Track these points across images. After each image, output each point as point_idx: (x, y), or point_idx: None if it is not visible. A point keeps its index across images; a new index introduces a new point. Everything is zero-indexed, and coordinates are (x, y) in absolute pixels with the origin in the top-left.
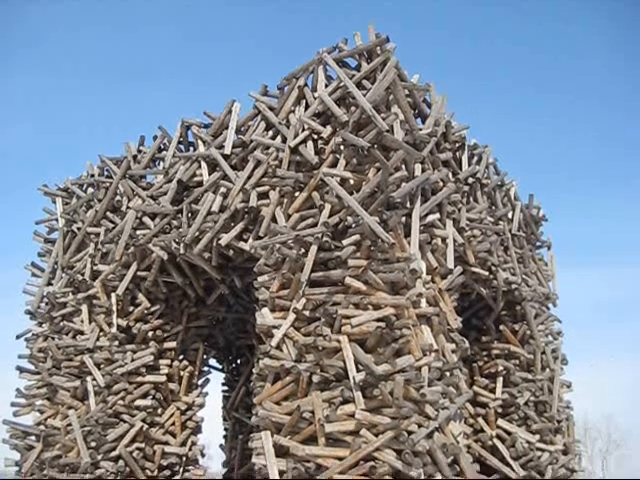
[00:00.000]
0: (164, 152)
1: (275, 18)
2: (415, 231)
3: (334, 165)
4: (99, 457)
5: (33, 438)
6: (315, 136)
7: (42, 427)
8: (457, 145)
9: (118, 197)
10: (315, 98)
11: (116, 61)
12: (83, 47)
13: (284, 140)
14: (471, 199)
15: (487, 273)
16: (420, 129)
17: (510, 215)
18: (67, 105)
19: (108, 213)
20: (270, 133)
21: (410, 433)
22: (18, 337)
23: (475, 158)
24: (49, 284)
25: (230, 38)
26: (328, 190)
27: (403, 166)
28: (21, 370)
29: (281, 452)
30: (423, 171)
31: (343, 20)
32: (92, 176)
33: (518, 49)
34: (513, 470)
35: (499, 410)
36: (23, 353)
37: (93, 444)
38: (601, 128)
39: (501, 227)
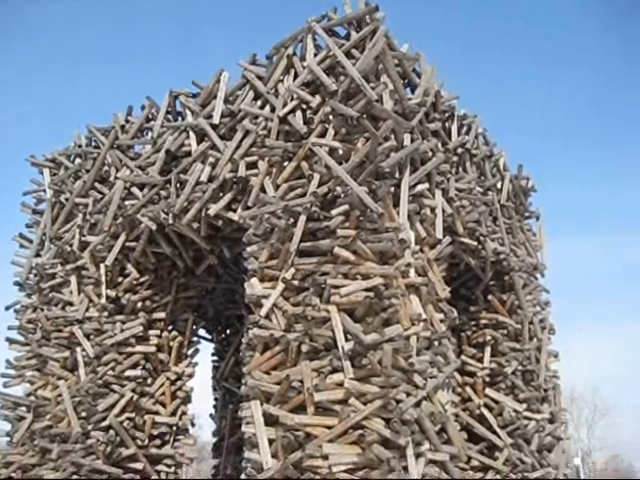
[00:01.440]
0: (152, 122)
1: None
2: (404, 201)
3: (323, 135)
4: (90, 427)
5: (24, 409)
6: (304, 106)
7: (32, 398)
8: (446, 115)
9: (106, 167)
10: (304, 67)
11: (103, 34)
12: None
13: (273, 110)
14: (460, 169)
15: (476, 243)
16: (409, 99)
17: (499, 185)
18: (54, 78)
19: (96, 184)
20: (259, 103)
21: (398, 402)
22: (7, 308)
23: (465, 128)
24: (37, 255)
25: (219, 6)
26: (317, 160)
27: (392, 136)
28: (10, 341)
29: (270, 421)
30: (412, 141)
31: None
32: (80, 147)
33: (512, 23)
34: (500, 438)
35: (487, 379)
36: (12, 324)
37: (83, 414)
38: (594, 98)
39: (490, 197)
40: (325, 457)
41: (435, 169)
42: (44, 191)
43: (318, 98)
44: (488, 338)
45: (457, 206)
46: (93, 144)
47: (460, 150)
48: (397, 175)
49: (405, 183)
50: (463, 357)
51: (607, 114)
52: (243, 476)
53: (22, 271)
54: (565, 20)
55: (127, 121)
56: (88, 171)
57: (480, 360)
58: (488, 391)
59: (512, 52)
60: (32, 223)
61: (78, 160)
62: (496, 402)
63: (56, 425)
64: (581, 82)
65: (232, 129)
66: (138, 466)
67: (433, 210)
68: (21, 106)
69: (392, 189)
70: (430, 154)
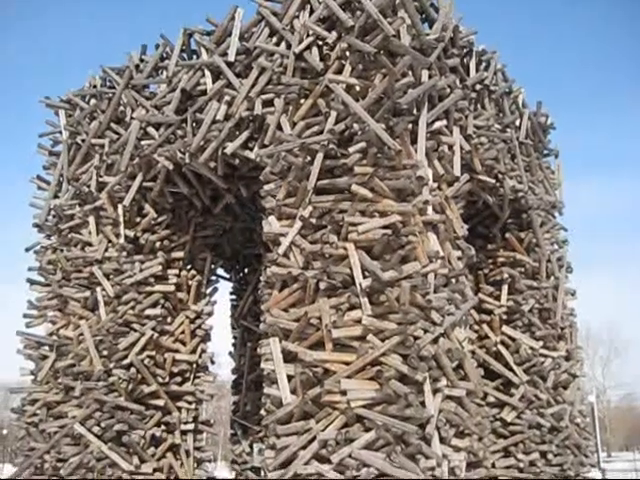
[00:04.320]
0: (167, 61)
1: None
2: (422, 138)
3: (340, 71)
4: (111, 365)
5: (46, 348)
6: (320, 42)
7: (55, 337)
8: (465, 51)
9: (121, 108)
10: (320, 3)
11: None
12: None
13: (289, 46)
14: (478, 106)
15: (494, 181)
16: (427, 34)
17: (518, 122)
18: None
19: (112, 124)
20: (274, 39)
21: (416, 338)
22: (27, 250)
23: (483, 64)
24: (55, 197)
25: None
26: (334, 97)
27: (410, 72)
28: (31, 282)
29: (289, 358)
30: (430, 77)
31: None
32: (94, 87)
33: None
34: (516, 375)
35: (504, 317)
36: (33, 265)
37: (105, 353)
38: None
39: (508, 135)
40: (343, 393)
41: (453, 106)
42: (60, 133)
43: (334, 34)
44: (505, 276)
45: (475, 143)
46: (108, 84)
47: (478, 86)
48: (415, 112)
49: (423, 120)
50: (480, 295)
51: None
52: (263, 412)
53: (41, 213)
54: None
55: (142, 60)
56: (103, 111)
57: (497, 298)
58: (505, 329)
59: None
60: (49, 165)
61: (93, 101)
62: (513, 339)
63: (78, 363)
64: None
65: (248, 67)
66: (159, 402)
67: (451, 147)
68: (35, 47)
69: (410, 126)
70: (448, 90)
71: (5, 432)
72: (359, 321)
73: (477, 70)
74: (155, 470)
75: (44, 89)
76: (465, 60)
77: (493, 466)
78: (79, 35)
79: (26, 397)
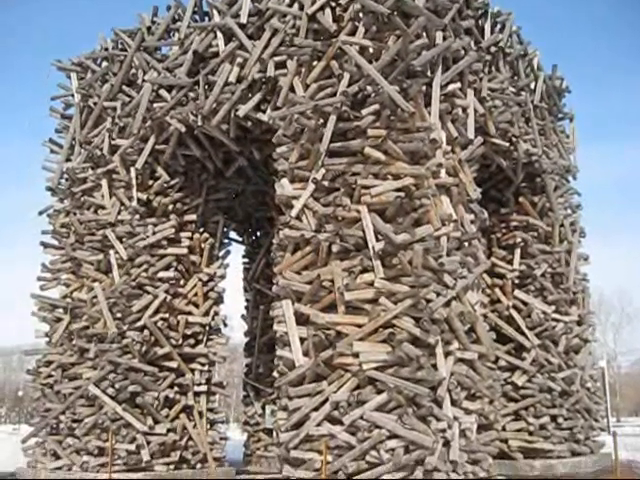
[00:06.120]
0: (178, 23)
1: None
2: (435, 100)
3: (353, 33)
4: (125, 327)
5: (60, 311)
6: (333, 3)
7: (68, 300)
8: (480, 12)
9: (133, 70)
10: None
11: None
12: None
13: (301, 7)
14: (493, 69)
15: (507, 144)
16: None
17: (532, 86)
18: None
19: (124, 87)
20: (287, 0)
21: (428, 301)
22: (40, 213)
23: (498, 26)
24: (68, 160)
25: None
26: (347, 59)
27: (424, 33)
28: (45, 245)
29: (301, 320)
30: (444, 39)
31: None
32: (106, 50)
33: None
34: (528, 339)
35: (516, 281)
36: (46, 229)
37: (119, 315)
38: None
39: (523, 98)
40: (355, 355)
41: (467, 68)
42: (72, 96)
43: None
44: (518, 240)
45: (489, 106)
46: (119, 47)
47: (493, 49)
48: (429, 74)
49: (437, 82)
50: (493, 259)
51: None
52: (275, 374)
53: (53, 176)
54: None
55: (153, 22)
56: (115, 74)
57: (510, 262)
58: (517, 293)
59: None
60: (61, 128)
61: (105, 63)
62: (525, 304)
63: (92, 326)
64: None
65: (260, 28)
66: (173, 364)
67: (465, 110)
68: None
69: (423, 88)
70: (462, 53)
71: (21, 394)
72: (371, 284)
73: (492, 32)
74: (169, 431)
75: (56, 52)
76: (480, 22)
77: (504, 429)
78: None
79: (41, 359)
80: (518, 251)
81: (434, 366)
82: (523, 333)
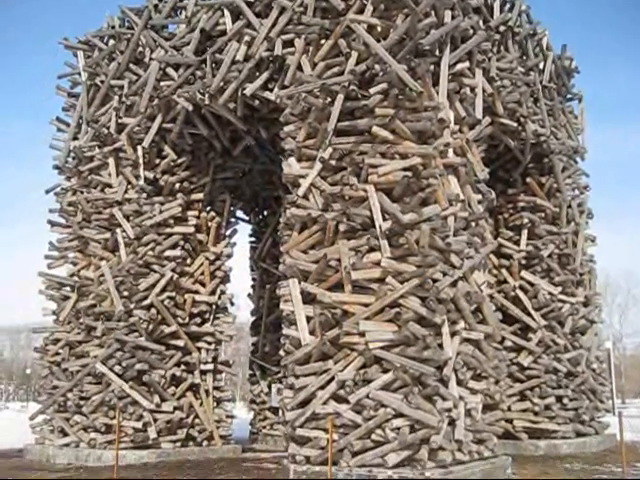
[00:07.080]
0: (185, 1)
1: None
2: (444, 80)
3: (361, 11)
4: (132, 306)
5: (68, 289)
6: None
7: (76, 278)
8: None
9: (140, 48)
10: None
11: None
12: None
13: None
14: (502, 48)
15: (516, 124)
16: None
17: (541, 66)
18: None
19: (131, 65)
20: None
21: (435, 281)
22: (47, 192)
23: (507, 5)
24: (75, 138)
25: None
26: (355, 37)
27: (432, 12)
28: (52, 224)
29: (308, 299)
30: (453, 18)
31: None
32: (113, 28)
33: None
34: (534, 320)
35: (523, 262)
36: (53, 207)
37: (125, 293)
38: None
39: (532, 78)
40: (362, 334)
41: (476, 47)
42: (79, 74)
43: None
44: (525, 221)
45: (498, 86)
46: (126, 25)
47: (502, 28)
48: (437, 53)
49: (445, 61)
50: (500, 239)
51: None
52: (281, 352)
53: (60, 154)
54: None
55: (160, 0)
56: (122, 52)
57: (517, 243)
58: (524, 273)
59: None
60: (68, 106)
61: (112, 42)
62: (531, 284)
63: (100, 304)
64: None
65: (268, 6)
66: (179, 343)
67: (473, 89)
68: None
69: (432, 67)
70: (471, 32)
71: (29, 371)
72: (378, 263)
73: (501, 11)
74: (175, 408)
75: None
76: (489, 1)
77: (509, 409)
78: None
79: (48, 337)
80: (525, 232)
81: (440, 346)
82: (529, 314)
